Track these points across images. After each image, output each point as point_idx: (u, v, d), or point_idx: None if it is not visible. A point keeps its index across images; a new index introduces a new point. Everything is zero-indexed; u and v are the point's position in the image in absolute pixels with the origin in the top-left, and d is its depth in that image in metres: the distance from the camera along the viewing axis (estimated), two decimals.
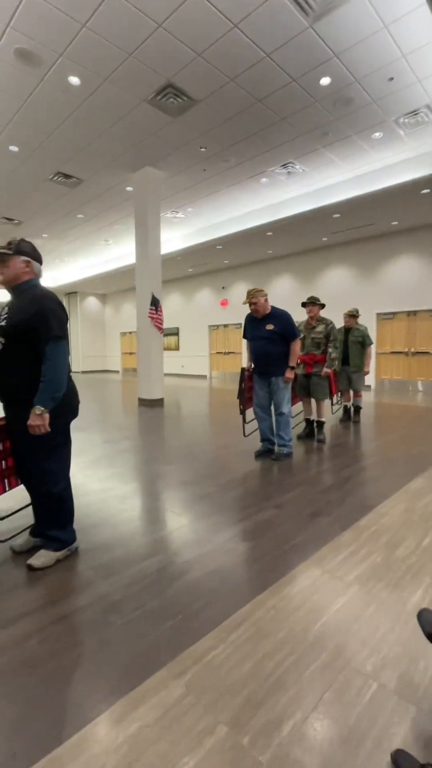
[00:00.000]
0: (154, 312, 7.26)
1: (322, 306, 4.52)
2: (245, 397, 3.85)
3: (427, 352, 9.21)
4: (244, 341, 3.93)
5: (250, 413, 3.97)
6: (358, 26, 3.96)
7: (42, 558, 1.92)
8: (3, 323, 1.80)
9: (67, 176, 7.35)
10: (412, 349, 9.43)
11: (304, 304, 4.53)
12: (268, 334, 3.64)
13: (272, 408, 3.77)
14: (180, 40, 4.13)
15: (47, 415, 1.76)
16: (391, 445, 4.23)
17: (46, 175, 7.33)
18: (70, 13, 3.81)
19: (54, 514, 1.98)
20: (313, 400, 4.49)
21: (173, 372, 15.16)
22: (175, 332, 15.17)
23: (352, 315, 5.41)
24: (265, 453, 3.81)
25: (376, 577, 1.83)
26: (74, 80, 4.77)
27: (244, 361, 3.83)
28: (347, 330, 5.41)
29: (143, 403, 7.41)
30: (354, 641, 1.43)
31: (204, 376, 14.20)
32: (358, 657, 1.36)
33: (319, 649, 1.39)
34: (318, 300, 4.49)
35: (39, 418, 1.74)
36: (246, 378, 3.84)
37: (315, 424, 4.51)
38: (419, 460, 3.67)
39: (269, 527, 2.35)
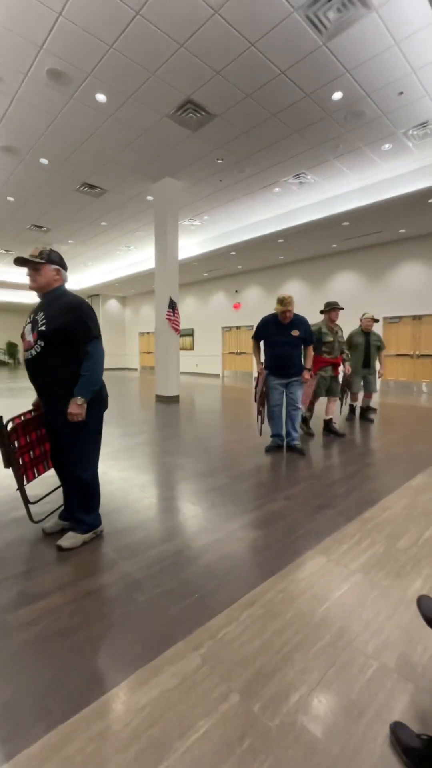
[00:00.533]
0: (171, 314, 7.33)
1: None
2: (263, 401, 3.86)
3: None
4: (253, 342, 3.85)
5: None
6: (370, 43, 3.93)
7: (70, 539, 2.00)
8: (43, 328, 1.86)
9: (92, 187, 7.46)
10: (417, 352, 9.31)
11: (328, 310, 4.51)
12: (294, 340, 3.67)
13: (284, 405, 3.79)
14: (200, 58, 4.17)
15: (85, 405, 1.89)
16: (395, 443, 4.21)
17: (73, 186, 7.45)
18: (98, 35, 3.88)
19: (83, 498, 2.05)
20: (328, 399, 4.54)
21: (188, 371, 15.24)
22: (190, 333, 15.24)
23: (375, 320, 5.44)
24: (275, 448, 3.84)
25: (378, 566, 1.86)
26: (101, 98, 4.85)
27: (255, 365, 3.77)
28: (367, 333, 5.41)
29: (160, 399, 7.49)
30: (357, 624, 1.46)
31: (217, 375, 14.24)
32: (361, 638, 1.39)
33: (324, 630, 1.43)
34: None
35: (79, 407, 1.86)
36: (260, 382, 3.81)
37: (329, 422, 4.54)
38: (422, 457, 3.66)
39: (278, 517, 2.38)
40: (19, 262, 1.91)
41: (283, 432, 3.83)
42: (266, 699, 1.15)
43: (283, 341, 3.68)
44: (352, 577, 1.76)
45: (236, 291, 13.42)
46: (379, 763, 0.97)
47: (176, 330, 7.45)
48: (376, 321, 5.47)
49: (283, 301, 3.59)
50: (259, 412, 3.97)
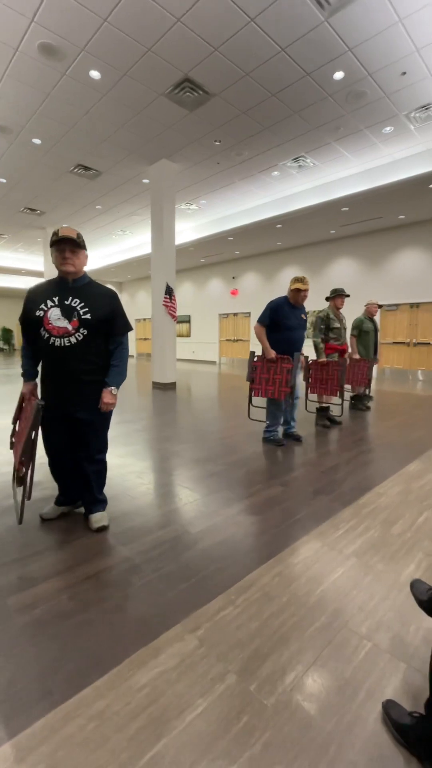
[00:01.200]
0: (168, 300, 7.26)
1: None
2: (255, 382, 3.69)
3: (428, 343, 9.09)
4: (262, 327, 3.58)
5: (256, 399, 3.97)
6: (373, 20, 3.80)
7: (104, 519, 2.08)
8: (87, 317, 1.87)
9: (86, 168, 7.28)
10: (414, 340, 9.32)
11: (334, 296, 4.48)
12: (304, 323, 3.67)
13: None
14: (198, 34, 4.02)
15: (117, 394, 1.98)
16: (390, 430, 4.24)
17: (66, 167, 7.26)
18: (91, 8, 3.72)
19: (101, 479, 2.15)
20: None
21: (185, 357, 15.20)
22: (187, 320, 15.14)
23: (380, 305, 5.52)
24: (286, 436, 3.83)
25: (372, 550, 1.89)
26: (95, 74, 4.68)
27: (255, 348, 3.66)
28: (371, 320, 5.43)
29: (157, 386, 7.48)
30: (351, 606, 1.49)
31: (214, 362, 14.21)
32: (355, 620, 1.42)
33: (319, 612, 1.46)
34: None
35: (113, 397, 1.97)
36: (257, 366, 3.68)
37: (328, 410, 4.51)
38: (417, 444, 3.69)
39: (275, 503, 2.41)
40: (68, 242, 1.83)
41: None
42: (262, 679, 1.17)
43: (297, 324, 3.61)
44: (348, 562, 1.79)
45: (233, 277, 13.29)
46: (371, 740, 1.00)
47: (173, 316, 7.38)
48: (380, 307, 5.48)
49: (303, 280, 3.49)
50: (257, 394, 3.72)
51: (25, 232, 11.75)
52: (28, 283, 18.46)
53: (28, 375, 2.02)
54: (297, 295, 3.51)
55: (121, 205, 9.33)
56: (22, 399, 2.08)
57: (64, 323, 1.84)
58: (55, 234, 1.83)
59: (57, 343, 1.84)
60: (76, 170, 7.36)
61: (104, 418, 2.05)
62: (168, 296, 7.25)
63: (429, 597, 1.16)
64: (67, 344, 1.85)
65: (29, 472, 1.86)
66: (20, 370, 2.10)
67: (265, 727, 1.03)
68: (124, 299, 18.65)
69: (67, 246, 1.84)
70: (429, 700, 0.99)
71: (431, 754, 0.93)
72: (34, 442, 1.84)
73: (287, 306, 3.57)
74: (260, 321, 3.61)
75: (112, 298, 1.98)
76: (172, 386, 7.45)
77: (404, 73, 4.57)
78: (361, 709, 1.09)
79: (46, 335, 1.85)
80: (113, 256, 14.10)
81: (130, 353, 18.36)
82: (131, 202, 9.11)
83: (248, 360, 3.76)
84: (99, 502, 2.12)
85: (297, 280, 3.50)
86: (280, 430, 3.88)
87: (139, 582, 1.62)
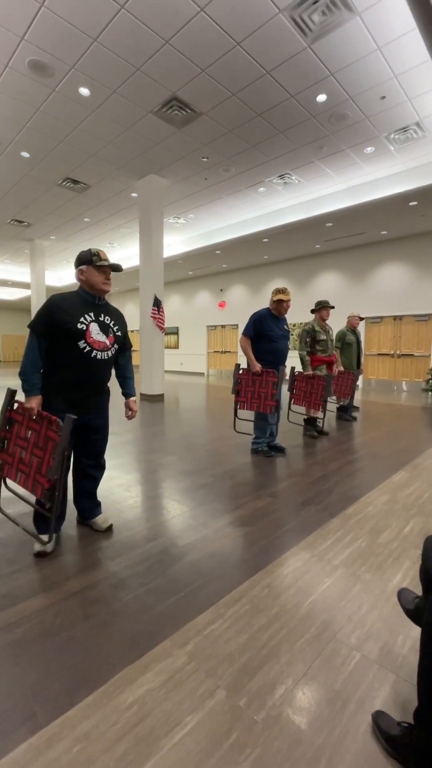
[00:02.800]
0: (156, 312, 7.28)
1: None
2: (240, 395, 3.70)
3: (412, 355, 9.31)
4: (247, 339, 3.61)
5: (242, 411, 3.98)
6: (354, 47, 3.99)
7: (107, 521, 2.20)
8: (119, 333, 2.08)
9: (75, 182, 7.34)
10: (398, 352, 9.53)
11: (319, 308, 4.56)
12: (287, 333, 3.71)
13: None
14: (185, 56, 4.15)
15: None
16: (376, 441, 4.30)
17: (55, 181, 7.31)
18: (81, 28, 3.82)
19: (99, 482, 2.25)
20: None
21: (173, 369, 15.19)
22: (175, 331, 15.19)
23: (361, 318, 5.71)
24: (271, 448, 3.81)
25: (360, 560, 1.90)
26: (84, 91, 4.77)
27: (251, 362, 3.62)
28: (353, 332, 5.57)
29: (145, 398, 7.44)
30: (340, 617, 1.49)
31: (202, 374, 14.24)
32: (344, 631, 1.42)
33: (309, 624, 1.45)
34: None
35: (136, 405, 2.23)
36: (242, 378, 3.68)
37: (315, 421, 4.53)
38: (402, 454, 3.75)
39: (263, 514, 2.41)
40: (111, 267, 1.99)
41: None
42: (252, 693, 1.16)
43: (281, 335, 3.63)
44: (336, 572, 1.79)
45: (221, 290, 13.44)
46: (361, 752, 1.00)
47: (161, 328, 7.40)
48: (362, 319, 5.63)
49: (284, 291, 3.53)
50: (242, 407, 3.71)
51: (12, 244, 11.70)
52: (14, 294, 18.30)
53: (37, 388, 1.91)
54: (280, 306, 3.55)
55: (110, 218, 9.40)
56: (13, 414, 1.99)
57: (103, 338, 1.99)
58: (98, 256, 1.95)
59: (99, 356, 1.97)
60: (64, 183, 7.42)
61: (108, 421, 2.20)
62: (156, 308, 7.28)
63: (416, 606, 1.18)
64: (105, 358, 2.01)
65: (60, 489, 1.80)
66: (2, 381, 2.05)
67: (255, 744, 1.01)
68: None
69: (109, 270, 2.00)
70: (417, 709, 0.99)
71: (420, 764, 0.93)
72: (67, 457, 1.86)
73: (270, 317, 3.60)
74: (245, 333, 3.63)
75: (123, 317, 2.19)
76: (160, 398, 7.42)
77: (383, 97, 4.78)
78: (351, 721, 1.08)
79: (87, 348, 1.92)
80: None
81: None
82: (120, 216, 9.19)
83: (233, 372, 3.77)
84: (99, 504, 2.26)
85: (279, 291, 3.54)
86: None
87: (126, 597, 1.60)
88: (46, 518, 1.93)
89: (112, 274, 2.08)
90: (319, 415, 4.53)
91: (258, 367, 3.55)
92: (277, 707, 1.12)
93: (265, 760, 0.97)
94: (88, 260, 1.94)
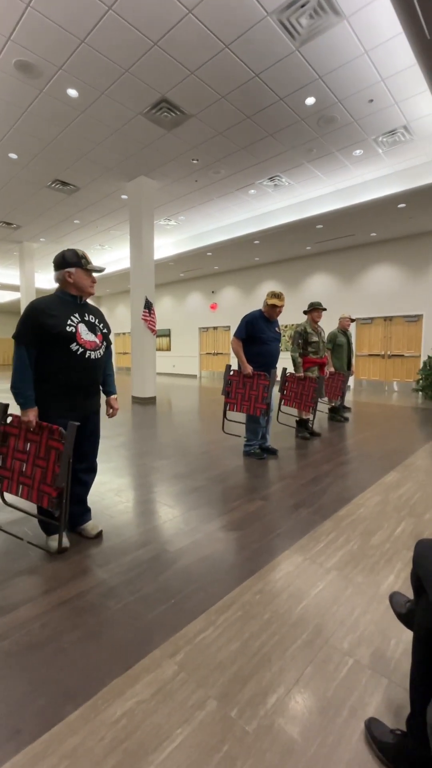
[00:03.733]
0: (147, 314, 7.25)
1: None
2: (230, 396, 3.67)
3: (402, 355, 9.39)
4: (239, 341, 3.60)
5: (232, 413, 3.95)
6: (342, 51, 4.02)
7: (97, 527, 2.16)
8: (105, 331, 2.09)
9: (64, 183, 7.28)
10: (389, 352, 9.61)
11: (311, 310, 4.56)
12: (279, 336, 3.72)
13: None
14: (174, 58, 4.14)
15: None
16: (368, 441, 4.32)
17: (44, 182, 7.24)
18: (69, 29, 3.79)
19: (90, 487, 2.23)
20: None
21: (165, 371, 15.14)
22: (167, 334, 15.14)
23: (352, 319, 5.75)
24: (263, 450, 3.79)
25: (352, 563, 1.89)
26: (72, 93, 4.73)
27: (242, 363, 3.60)
28: (345, 333, 5.60)
29: (136, 400, 7.39)
30: (332, 621, 1.48)
31: (194, 376, 14.21)
32: (336, 635, 1.41)
33: (301, 629, 1.44)
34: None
35: (117, 402, 2.23)
36: (233, 380, 3.65)
37: (307, 422, 4.54)
38: (394, 455, 3.76)
39: (256, 517, 2.39)
40: (101, 271, 2.04)
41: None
42: (243, 703, 1.14)
43: (273, 338, 3.64)
44: (328, 575, 1.78)
45: (213, 291, 13.44)
46: (354, 760, 0.98)
47: (152, 330, 7.37)
48: (353, 321, 5.65)
49: (280, 296, 3.53)
50: (232, 408, 3.67)
51: (1, 246, 11.57)
52: (3, 297, 18.08)
53: (32, 400, 1.86)
54: (273, 310, 3.56)
55: (100, 221, 9.34)
56: (7, 428, 1.95)
57: (92, 337, 1.98)
58: (86, 260, 1.96)
59: (92, 356, 1.96)
60: (53, 185, 7.35)
61: (99, 425, 2.19)
62: (147, 310, 7.24)
63: (408, 610, 1.17)
64: (98, 357, 2.00)
65: (66, 497, 1.84)
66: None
67: (247, 755, 0.99)
68: (103, 313, 18.51)
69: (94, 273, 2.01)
70: (410, 716, 0.98)
71: None
72: (70, 465, 1.82)
73: (262, 320, 3.59)
74: (237, 335, 3.61)
75: (101, 313, 2.18)
76: (151, 401, 7.38)
77: (371, 100, 4.82)
78: (344, 729, 1.07)
79: (80, 350, 1.91)
80: None
81: None
82: (110, 218, 9.14)
83: (224, 374, 3.74)
84: (89, 510, 2.23)
85: (274, 295, 3.53)
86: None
87: (115, 606, 1.56)
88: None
89: (106, 277, 2.13)
90: (310, 416, 4.53)
91: (249, 369, 3.54)
92: (269, 717, 1.10)
93: None
94: (77, 263, 1.93)
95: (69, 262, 1.93)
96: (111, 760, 0.98)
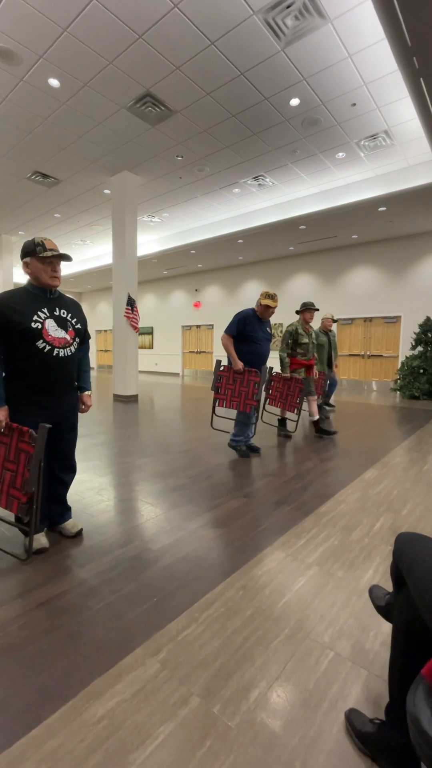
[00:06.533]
0: (129, 311, 7.16)
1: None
2: (220, 392, 3.67)
3: (381, 355, 9.61)
4: (229, 337, 3.58)
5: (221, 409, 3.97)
6: (326, 54, 4.06)
7: (77, 525, 2.14)
8: (78, 327, 1.98)
9: (44, 176, 7.10)
10: (368, 352, 9.81)
11: (303, 310, 4.53)
12: (270, 336, 3.73)
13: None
14: (159, 52, 4.09)
15: None
16: (348, 439, 4.40)
17: (23, 174, 7.05)
18: (51, 16, 3.69)
19: (69, 486, 2.17)
20: (307, 400, 4.51)
21: (147, 369, 15.01)
22: (149, 331, 15.01)
23: (335, 320, 5.80)
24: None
25: (333, 558, 1.92)
26: (54, 82, 4.62)
27: (232, 359, 3.60)
28: (327, 333, 5.66)
29: (118, 398, 7.30)
30: (314, 616, 1.50)
31: (177, 374, 14.14)
32: (317, 629, 1.43)
33: (283, 624, 1.45)
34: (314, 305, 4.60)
35: (90, 399, 2.14)
36: (223, 376, 3.65)
37: (318, 423, 4.53)
38: (373, 452, 3.85)
39: (238, 515, 2.40)
40: (59, 257, 1.83)
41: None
42: (226, 699, 1.14)
43: (263, 337, 3.63)
44: (309, 571, 1.80)
45: (196, 290, 13.40)
46: (335, 751, 1.00)
47: (135, 328, 7.29)
48: (335, 321, 5.73)
49: (274, 297, 3.52)
50: (221, 404, 3.67)
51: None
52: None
53: (2, 399, 1.78)
54: (266, 311, 3.56)
55: (82, 215, 9.16)
56: None
57: (62, 334, 1.87)
58: (43, 246, 1.77)
59: (61, 354, 1.86)
60: (33, 177, 7.16)
61: (77, 419, 2.13)
62: (130, 307, 7.16)
63: (386, 602, 1.19)
64: (68, 354, 1.91)
65: (37, 501, 1.72)
66: None
67: (230, 750, 1.00)
68: (85, 310, 18.19)
69: (57, 261, 1.83)
70: (389, 705, 1.00)
71: (392, 760, 0.94)
72: (41, 469, 1.71)
73: (254, 319, 3.58)
74: (228, 331, 3.60)
75: (81, 308, 2.09)
76: (134, 399, 7.31)
77: (354, 104, 4.90)
78: (325, 720, 1.08)
79: (47, 347, 1.80)
80: (73, 265, 13.74)
81: (91, 365, 17.88)
82: (92, 212, 8.98)
83: (214, 369, 3.72)
84: (69, 509, 2.19)
85: (268, 296, 3.52)
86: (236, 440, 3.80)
87: (96, 605, 1.54)
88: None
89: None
90: (293, 417, 4.58)
91: (240, 365, 3.52)
92: (251, 711, 1.10)
93: (239, 767, 0.96)
94: (32, 251, 1.77)
95: (25, 251, 1.80)
96: (92, 761, 0.96)
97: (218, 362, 3.72)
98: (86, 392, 2.12)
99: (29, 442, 1.69)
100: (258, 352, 3.60)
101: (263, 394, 4.48)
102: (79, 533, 2.12)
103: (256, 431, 3.95)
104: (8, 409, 1.80)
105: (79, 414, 2.21)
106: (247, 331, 3.54)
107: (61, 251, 1.97)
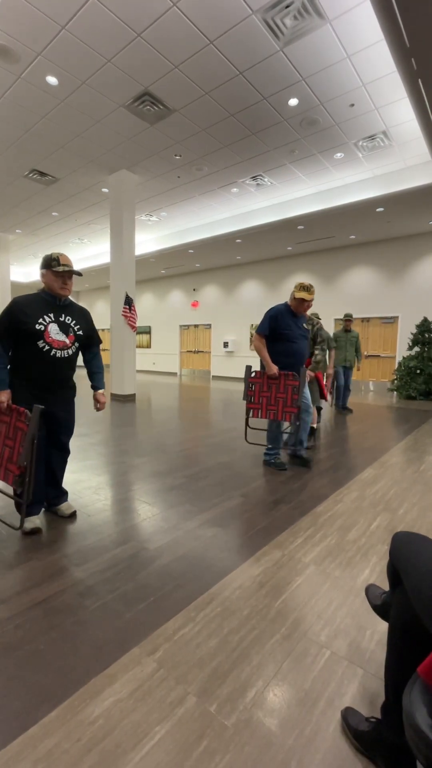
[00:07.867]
0: (127, 311, 7.15)
1: None
2: (253, 401, 3.28)
3: (378, 356, 9.64)
4: (262, 338, 3.20)
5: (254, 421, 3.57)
6: (325, 54, 4.07)
7: (71, 507, 2.36)
8: (80, 333, 2.19)
9: (42, 174, 7.07)
10: (366, 353, 9.83)
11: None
12: (307, 333, 3.33)
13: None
14: (158, 51, 4.09)
15: None
16: (345, 439, 4.41)
17: (20, 172, 7.02)
18: (49, 14, 3.67)
19: (64, 469, 2.37)
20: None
21: (145, 369, 14.99)
22: (147, 331, 14.99)
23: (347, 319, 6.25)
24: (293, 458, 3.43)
25: (330, 557, 1.93)
26: (52, 80, 4.60)
27: (267, 363, 3.20)
28: (347, 331, 6.13)
29: (116, 398, 7.29)
30: (310, 615, 1.51)
31: (174, 374, 14.13)
32: (314, 629, 1.43)
33: (280, 624, 1.45)
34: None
35: (104, 397, 2.38)
36: (256, 383, 3.25)
37: (315, 430, 4.21)
38: (370, 452, 3.86)
39: (235, 514, 2.40)
40: (70, 272, 2.08)
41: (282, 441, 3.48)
42: (223, 698, 1.14)
43: (300, 334, 3.23)
44: (306, 570, 1.81)
45: (194, 289, 13.39)
46: (331, 751, 1.00)
47: (133, 327, 7.28)
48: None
49: (309, 289, 3.13)
50: (255, 415, 3.28)
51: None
52: None
53: (5, 383, 2.05)
54: (301, 305, 3.16)
55: (79, 214, 9.14)
56: None
57: (62, 337, 2.10)
58: (57, 261, 2.05)
59: (58, 355, 2.09)
60: (31, 175, 7.13)
61: (73, 414, 2.33)
62: (128, 306, 7.14)
63: (382, 601, 1.20)
64: (65, 356, 2.13)
65: (31, 476, 1.90)
66: None
67: (226, 749, 1.00)
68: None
69: (68, 275, 2.09)
70: (384, 704, 1.00)
71: (388, 759, 0.94)
72: (36, 445, 1.90)
73: (288, 314, 3.20)
74: (259, 331, 3.19)
75: (89, 315, 2.32)
76: (131, 398, 7.29)
77: (353, 105, 4.91)
78: (321, 719, 1.09)
79: (47, 347, 2.05)
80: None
81: None
82: (90, 211, 8.95)
83: (245, 375, 3.31)
84: (65, 493, 2.39)
85: (303, 288, 3.12)
86: (277, 449, 3.43)
87: (93, 605, 1.54)
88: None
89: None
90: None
91: (275, 369, 3.13)
92: (248, 711, 1.11)
93: (235, 766, 0.96)
94: (48, 265, 2.06)
95: (43, 264, 2.09)
96: (87, 761, 0.96)
97: (248, 367, 3.31)
98: (99, 390, 2.36)
99: (24, 421, 1.90)
100: (294, 352, 3.19)
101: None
102: (74, 515, 2.32)
103: (305, 439, 3.52)
104: (11, 393, 2.05)
105: (77, 412, 2.37)
106: (282, 329, 3.15)
107: (60, 251, 2.12)
